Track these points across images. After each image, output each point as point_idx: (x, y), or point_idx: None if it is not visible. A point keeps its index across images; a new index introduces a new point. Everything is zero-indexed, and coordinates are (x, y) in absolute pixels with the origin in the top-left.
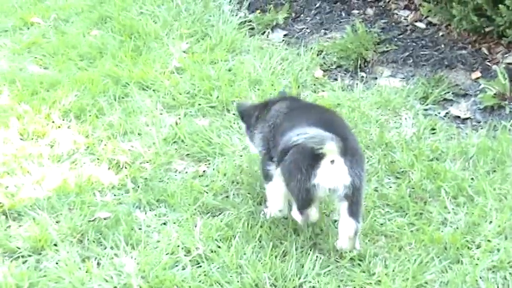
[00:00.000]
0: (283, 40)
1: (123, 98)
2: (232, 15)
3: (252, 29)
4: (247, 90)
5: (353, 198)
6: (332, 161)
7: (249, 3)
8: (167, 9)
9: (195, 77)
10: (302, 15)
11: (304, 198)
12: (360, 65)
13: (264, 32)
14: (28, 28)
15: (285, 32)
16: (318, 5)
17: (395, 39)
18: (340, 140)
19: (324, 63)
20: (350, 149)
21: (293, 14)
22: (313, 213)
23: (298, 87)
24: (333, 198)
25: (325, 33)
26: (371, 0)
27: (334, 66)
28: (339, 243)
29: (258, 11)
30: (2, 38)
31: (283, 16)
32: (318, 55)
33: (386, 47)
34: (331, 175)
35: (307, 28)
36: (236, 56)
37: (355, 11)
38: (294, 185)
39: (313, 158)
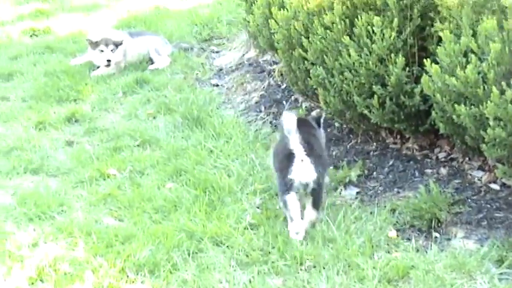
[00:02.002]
0: (356, 197)
1: (196, 253)
2: None
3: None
4: (321, 248)
5: (316, 194)
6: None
7: None
8: (241, 164)
9: (269, 233)
10: (375, 172)
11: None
12: (434, 225)
13: (337, 188)
14: (104, 179)
15: (358, 190)
16: (391, 163)
17: (469, 200)
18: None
19: (397, 222)
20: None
21: (366, 172)
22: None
23: (372, 247)
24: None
25: (398, 192)
26: (444, 160)
27: (407, 226)
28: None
29: (331, 168)
30: (79, 189)
31: (357, 173)
32: (391, 214)
33: (460, 208)
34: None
35: (380, 186)
36: None
37: (429, 170)
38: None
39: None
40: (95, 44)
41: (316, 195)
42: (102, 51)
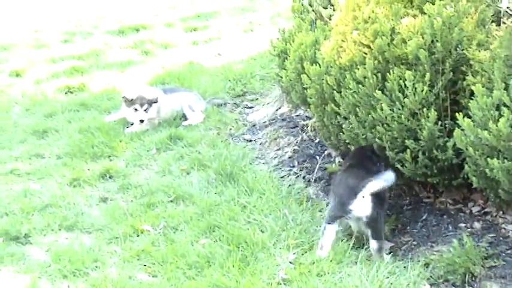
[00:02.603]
0: (389, 252)
1: None
2: None
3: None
4: None
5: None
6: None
7: None
8: (274, 219)
9: None
10: (408, 227)
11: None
12: (468, 279)
13: None
14: (138, 235)
15: (391, 244)
16: (424, 217)
17: (504, 254)
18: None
19: (431, 276)
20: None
21: (399, 226)
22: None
23: None
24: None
25: (431, 246)
26: (478, 214)
27: (441, 280)
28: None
29: None
30: (113, 246)
31: (390, 227)
32: (425, 268)
33: (494, 262)
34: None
35: (413, 240)
36: (343, 268)
37: (462, 225)
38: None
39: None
40: (130, 102)
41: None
42: (136, 110)
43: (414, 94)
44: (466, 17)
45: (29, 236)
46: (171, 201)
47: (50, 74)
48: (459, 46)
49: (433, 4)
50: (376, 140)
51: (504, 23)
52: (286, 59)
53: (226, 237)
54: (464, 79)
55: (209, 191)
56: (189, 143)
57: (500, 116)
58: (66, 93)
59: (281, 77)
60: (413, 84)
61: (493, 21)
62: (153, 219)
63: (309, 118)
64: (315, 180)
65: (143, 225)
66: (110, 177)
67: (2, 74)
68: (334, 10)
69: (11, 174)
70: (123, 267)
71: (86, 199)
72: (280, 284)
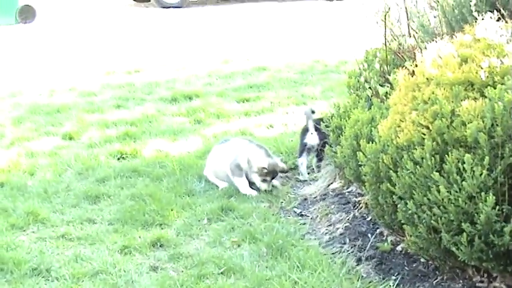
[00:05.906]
0: None
1: None
2: None
3: None
4: None
5: None
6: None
7: None
8: None
9: None
10: None
11: None
12: None
13: None
14: None
15: None
16: None
17: None
18: None
19: None
20: None
21: None
22: None
23: None
24: None
25: None
26: None
27: None
28: None
29: None
30: None
31: None
32: None
33: None
34: None
35: None
36: None
37: None
38: None
39: None
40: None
41: None
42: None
43: (472, 177)
44: None
45: None
46: (222, 273)
47: (103, 138)
48: None
49: (495, 88)
50: (432, 221)
51: None
52: (341, 134)
53: None
54: None
55: (260, 265)
56: (241, 215)
57: None
58: (118, 158)
59: (335, 153)
60: (472, 167)
61: None
62: None
63: (361, 195)
64: (366, 259)
65: None
66: (160, 246)
67: (55, 136)
68: (391, 88)
69: (62, 239)
70: None
71: (137, 267)
72: None
